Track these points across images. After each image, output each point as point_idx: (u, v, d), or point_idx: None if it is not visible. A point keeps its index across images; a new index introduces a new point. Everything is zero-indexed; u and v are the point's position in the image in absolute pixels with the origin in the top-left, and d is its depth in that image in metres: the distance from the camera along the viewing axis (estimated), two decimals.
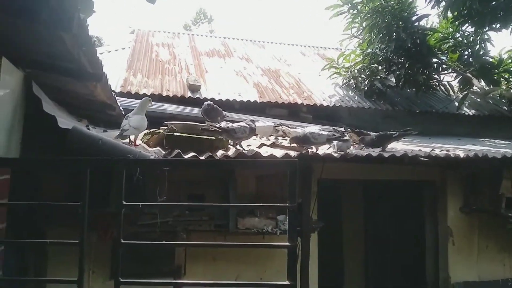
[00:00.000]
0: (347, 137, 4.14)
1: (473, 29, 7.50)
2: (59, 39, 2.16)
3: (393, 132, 4.50)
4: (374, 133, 4.58)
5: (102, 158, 2.35)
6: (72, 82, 2.93)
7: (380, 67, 7.83)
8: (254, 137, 4.88)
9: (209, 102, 4.76)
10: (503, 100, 8.20)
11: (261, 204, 4.16)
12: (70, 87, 3.13)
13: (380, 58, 7.80)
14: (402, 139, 5.73)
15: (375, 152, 4.19)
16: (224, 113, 4.79)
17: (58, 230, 3.38)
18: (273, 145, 4.53)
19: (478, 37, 7.88)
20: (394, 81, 7.81)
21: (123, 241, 1.84)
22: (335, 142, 4.02)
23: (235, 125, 3.89)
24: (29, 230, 3.28)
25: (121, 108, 4.47)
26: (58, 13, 1.93)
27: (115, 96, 4.14)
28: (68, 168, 2.92)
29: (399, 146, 4.91)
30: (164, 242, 2.10)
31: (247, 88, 7.09)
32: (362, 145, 4.56)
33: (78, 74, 2.71)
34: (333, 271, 6.90)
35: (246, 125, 3.96)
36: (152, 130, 3.92)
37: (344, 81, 8.01)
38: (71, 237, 1.86)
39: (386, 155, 4.06)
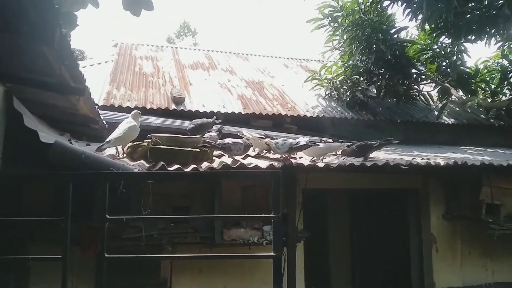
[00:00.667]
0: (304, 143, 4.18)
1: (450, 40, 7.73)
2: (41, 54, 2.17)
3: (374, 142, 4.61)
4: (355, 144, 4.66)
5: (85, 172, 2.34)
6: (54, 96, 2.91)
7: (361, 78, 7.97)
8: None
9: (194, 121, 4.86)
10: (481, 109, 8.43)
11: (246, 215, 4.18)
12: (52, 101, 3.11)
13: (361, 70, 7.94)
14: (384, 148, 5.84)
15: (357, 161, 4.26)
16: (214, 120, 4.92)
17: (41, 245, 3.32)
18: (258, 156, 4.56)
19: (455, 48, 8.11)
20: (375, 92, 7.97)
21: (106, 255, 1.83)
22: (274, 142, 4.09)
23: (230, 141, 4.03)
24: (11, 245, 3.21)
25: (104, 121, 4.45)
26: (40, 28, 1.93)
27: (98, 109, 4.13)
28: (51, 183, 2.88)
29: (381, 155, 5.00)
30: (148, 255, 2.10)
31: (231, 100, 7.13)
32: (343, 156, 4.63)
33: (60, 88, 2.70)
34: (319, 279, 6.91)
35: (241, 142, 4.03)
36: (135, 143, 3.91)
37: (327, 92, 8.13)
38: (54, 251, 1.84)
39: (368, 164, 4.14)
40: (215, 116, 5.61)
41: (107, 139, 3.48)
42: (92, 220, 2.89)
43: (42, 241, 3.27)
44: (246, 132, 4.72)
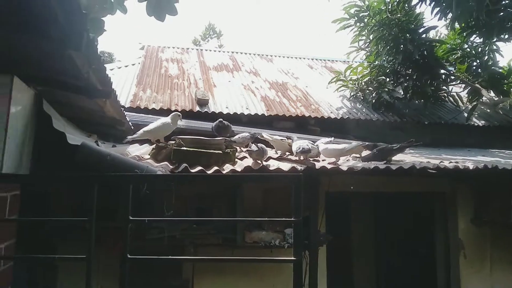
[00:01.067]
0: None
1: (481, 40, 7.47)
2: (69, 58, 2.22)
3: (394, 145, 4.47)
4: (375, 148, 4.55)
5: (110, 174, 2.39)
6: (82, 98, 2.99)
7: (387, 79, 7.82)
8: None
9: (221, 119, 4.85)
10: None
11: (267, 218, 4.16)
12: (80, 103, 3.19)
13: (387, 70, 7.80)
14: (412, 151, 5.71)
15: (382, 164, 4.17)
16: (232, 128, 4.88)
17: (68, 244, 3.42)
18: (280, 158, 4.54)
19: (487, 48, 7.84)
20: (402, 93, 7.80)
21: (129, 256, 1.86)
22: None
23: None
24: (39, 244, 3.32)
25: (130, 123, 4.54)
26: (68, 32, 1.99)
27: (124, 111, 4.21)
28: (77, 184, 2.96)
29: (408, 158, 4.88)
30: (169, 257, 2.12)
31: (254, 101, 7.14)
32: (364, 161, 4.50)
33: (87, 91, 2.77)
34: (342, 284, 6.82)
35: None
36: (160, 144, 3.97)
37: (352, 94, 8.02)
38: (80, 250, 1.88)
39: (394, 167, 4.04)
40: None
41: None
42: (116, 221, 2.96)
43: (69, 240, 3.36)
44: (266, 135, 4.70)
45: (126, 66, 8.53)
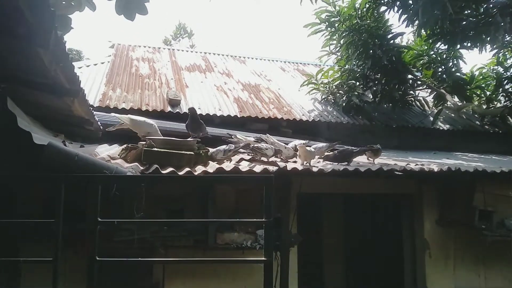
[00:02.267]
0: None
1: (446, 47, 7.79)
2: (36, 55, 2.17)
3: (354, 148, 4.77)
4: (336, 149, 4.81)
5: (77, 175, 2.33)
6: (48, 97, 2.91)
7: (357, 83, 8.01)
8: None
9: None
10: (476, 116, 8.48)
11: (237, 220, 4.17)
12: (47, 102, 3.11)
13: (357, 75, 8.00)
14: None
15: (351, 166, 4.28)
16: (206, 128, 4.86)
17: (32, 247, 3.31)
18: (252, 160, 4.56)
19: (451, 55, 8.17)
20: (371, 97, 8.01)
21: (98, 258, 1.83)
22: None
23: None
24: (2, 246, 3.20)
25: (99, 123, 4.44)
26: (35, 30, 1.94)
27: (93, 111, 4.12)
28: (43, 185, 2.88)
29: (376, 160, 5.02)
30: (139, 259, 2.09)
31: (227, 102, 7.14)
32: (325, 161, 4.68)
33: (54, 89, 2.70)
34: (313, 283, 6.92)
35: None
36: (129, 145, 3.90)
37: (323, 97, 8.16)
38: (46, 253, 1.83)
39: (362, 169, 4.15)
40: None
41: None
42: (84, 223, 2.88)
43: (34, 243, 3.25)
44: (240, 136, 4.73)
45: (95, 65, 8.33)
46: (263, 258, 1.96)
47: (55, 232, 1.79)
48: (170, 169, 3.43)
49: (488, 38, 6.76)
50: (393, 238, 6.53)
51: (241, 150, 4.46)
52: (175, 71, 8.54)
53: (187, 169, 3.55)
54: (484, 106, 8.53)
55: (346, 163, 4.54)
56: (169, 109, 6.36)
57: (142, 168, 3.41)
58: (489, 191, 5.14)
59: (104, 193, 2.02)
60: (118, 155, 3.84)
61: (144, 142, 3.90)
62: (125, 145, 3.86)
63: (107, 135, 4.71)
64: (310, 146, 4.62)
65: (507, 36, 6.81)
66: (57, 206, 1.79)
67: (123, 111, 5.87)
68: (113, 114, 4.25)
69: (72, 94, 2.83)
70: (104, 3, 3.02)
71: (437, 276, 5.71)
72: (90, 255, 1.85)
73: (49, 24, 1.96)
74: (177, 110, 6.37)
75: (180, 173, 3.37)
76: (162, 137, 4.03)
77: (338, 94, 7.98)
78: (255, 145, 4.35)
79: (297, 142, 4.87)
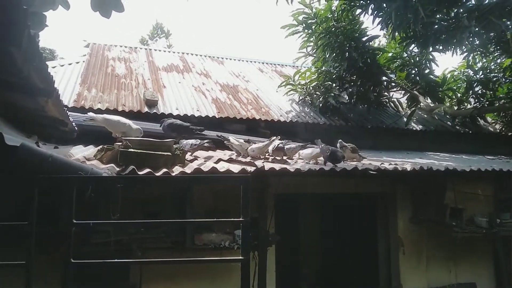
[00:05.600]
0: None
1: (418, 49, 8.00)
2: (7, 54, 2.12)
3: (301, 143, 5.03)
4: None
5: (52, 176, 2.29)
6: (21, 97, 2.84)
7: (333, 85, 8.13)
8: (212, 152, 4.94)
9: (171, 120, 4.86)
10: (447, 116, 8.76)
11: (214, 220, 4.17)
12: (20, 102, 3.03)
13: (333, 76, 8.12)
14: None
15: (328, 166, 4.35)
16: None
17: (3, 250, 3.21)
18: (230, 160, 4.58)
19: (424, 57, 8.41)
20: (347, 98, 8.15)
21: (73, 261, 1.81)
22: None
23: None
24: None
25: (74, 123, 4.36)
26: (7, 28, 1.89)
27: (67, 111, 4.04)
28: (16, 187, 2.81)
29: (351, 158, 5.12)
30: (115, 260, 2.08)
31: (205, 103, 7.12)
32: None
33: (27, 89, 2.64)
34: (291, 281, 6.99)
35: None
36: (105, 146, 3.85)
37: (300, 98, 8.24)
38: (18, 257, 1.80)
39: (338, 169, 4.23)
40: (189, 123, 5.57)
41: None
42: (58, 225, 2.83)
43: (5, 247, 3.16)
44: (233, 139, 4.85)
45: (70, 64, 8.14)
46: (240, 257, 1.98)
47: (28, 234, 1.76)
48: (147, 170, 3.41)
49: (459, 42, 6.99)
50: (368, 235, 6.67)
51: (206, 144, 4.60)
52: (152, 71, 8.45)
53: (165, 170, 3.53)
54: (455, 108, 8.83)
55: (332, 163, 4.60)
56: (146, 109, 6.28)
57: (118, 169, 3.37)
58: (459, 189, 5.33)
59: (79, 195, 1.99)
60: (94, 156, 3.78)
61: (120, 143, 3.85)
62: (100, 146, 3.80)
63: (82, 136, 4.63)
64: (284, 146, 4.70)
65: (476, 40, 7.04)
66: (31, 208, 1.75)
67: (99, 111, 5.77)
68: (89, 114, 4.19)
69: (46, 94, 2.77)
70: (79, 0, 2.97)
71: (410, 273, 5.88)
72: (65, 257, 1.83)
73: (21, 22, 1.92)
74: (154, 111, 6.31)
75: (157, 174, 3.36)
76: (139, 138, 4.00)
77: (315, 95, 8.08)
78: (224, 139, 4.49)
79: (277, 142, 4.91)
